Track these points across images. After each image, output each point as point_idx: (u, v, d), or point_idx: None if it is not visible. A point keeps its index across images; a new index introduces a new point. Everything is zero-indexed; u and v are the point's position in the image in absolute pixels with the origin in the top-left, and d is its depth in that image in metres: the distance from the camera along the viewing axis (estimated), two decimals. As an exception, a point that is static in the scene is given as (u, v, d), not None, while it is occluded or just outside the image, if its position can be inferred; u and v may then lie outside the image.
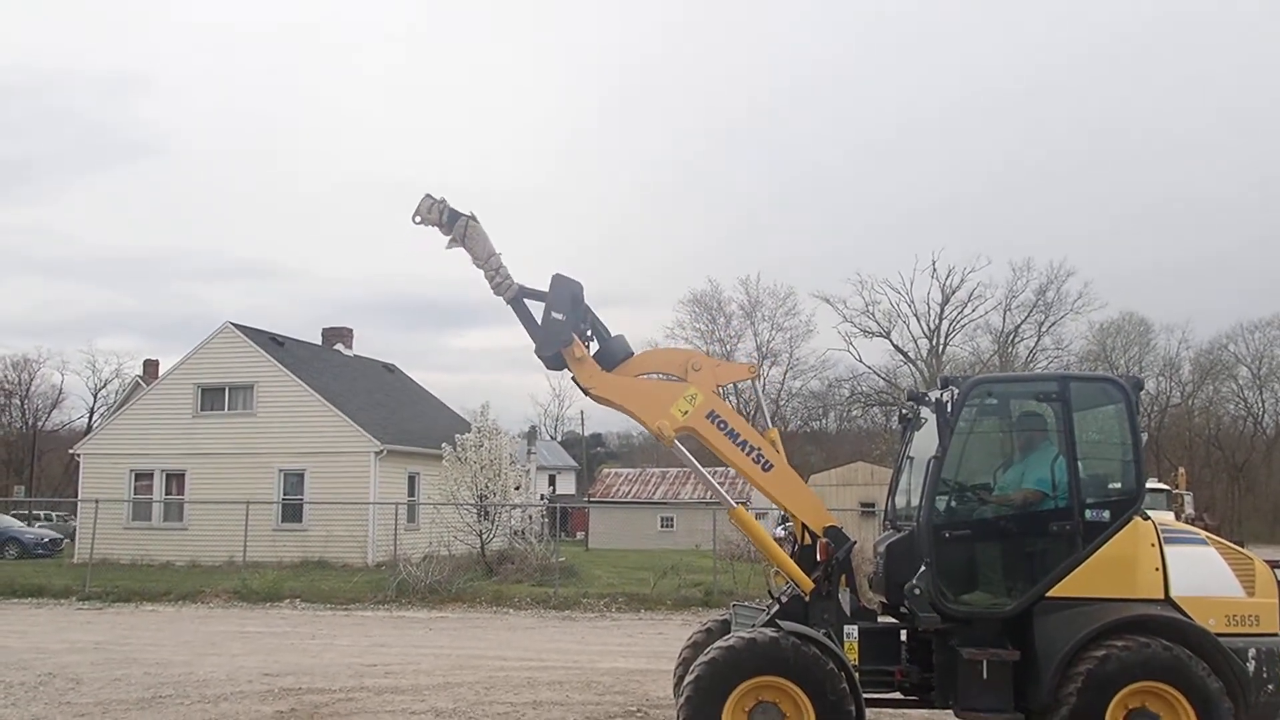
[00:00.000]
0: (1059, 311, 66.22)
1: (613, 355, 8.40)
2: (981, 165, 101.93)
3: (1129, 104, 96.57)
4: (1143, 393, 8.04)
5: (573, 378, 8.39)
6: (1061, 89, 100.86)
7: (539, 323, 8.19)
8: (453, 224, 8.28)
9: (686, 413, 8.17)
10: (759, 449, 8.25)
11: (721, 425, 8.22)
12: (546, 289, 8.20)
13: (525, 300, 8.34)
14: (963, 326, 68.16)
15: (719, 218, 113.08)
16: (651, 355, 8.78)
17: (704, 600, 21.67)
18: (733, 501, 8.39)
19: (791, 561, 8.29)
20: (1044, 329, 66.89)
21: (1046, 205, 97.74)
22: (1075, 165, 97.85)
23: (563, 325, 8.10)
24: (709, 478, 8.68)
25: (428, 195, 8.34)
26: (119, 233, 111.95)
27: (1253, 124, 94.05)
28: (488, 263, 8.27)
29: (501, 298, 8.32)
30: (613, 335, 8.53)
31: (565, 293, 8.17)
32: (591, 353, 8.33)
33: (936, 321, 67.54)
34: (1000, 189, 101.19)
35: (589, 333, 8.40)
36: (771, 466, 8.27)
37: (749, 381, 9.04)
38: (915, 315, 67.78)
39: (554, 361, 8.30)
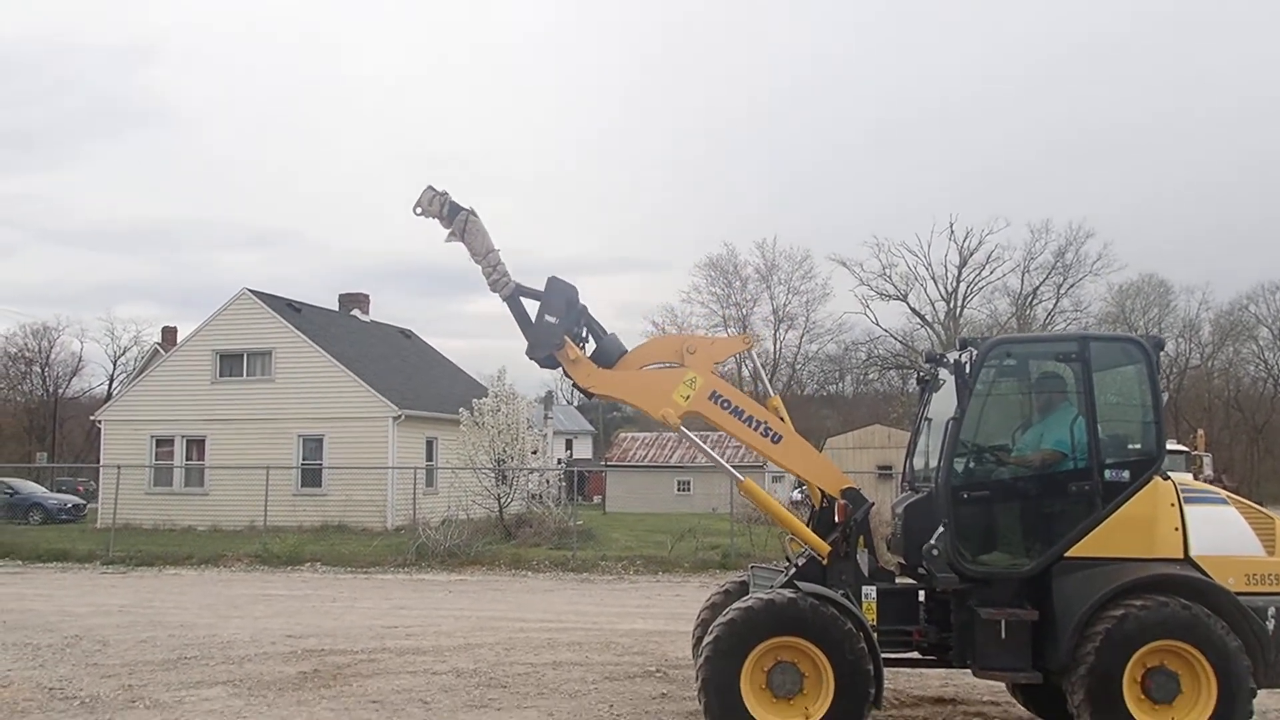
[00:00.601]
0: (1078, 273, 65.90)
1: (609, 353, 8.46)
2: (1020, 134, 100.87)
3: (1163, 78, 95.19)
4: (1162, 354, 8.00)
5: (569, 378, 8.46)
6: (1092, 64, 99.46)
7: (536, 321, 8.22)
8: (453, 218, 8.28)
9: (688, 397, 8.21)
10: (765, 422, 8.29)
11: (725, 404, 8.27)
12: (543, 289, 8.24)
13: (522, 299, 8.36)
14: (980, 289, 67.95)
15: (748, 189, 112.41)
16: (647, 347, 8.80)
17: (721, 563, 21.77)
18: (740, 476, 8.47)
19: (805, 527, 8.35)
20: (1062, 291, 66.58)
21: (1069, 172, 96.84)
22: (1100, 137, 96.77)
23: (555, 329, 8.14)
24: (717, 457, 8.75)
25: (429, 187, 8.33)
26: (135, 202, 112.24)
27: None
28: (486, 259, 8.30)
29: (498, 294, 8.34)
30: (607, 333, 8.59)
31: (560, 296, 8.21)
32: (588, 353, 8.38)
33: (954, 284, 67.35)
34: (1027, 157, 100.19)
35: (584, 334, 8.45)
36: (780, 438, 8.31)
37: (751, 351, 9.05)
38: (933, 278, 67.57)
39: (547, 363, 8.38)
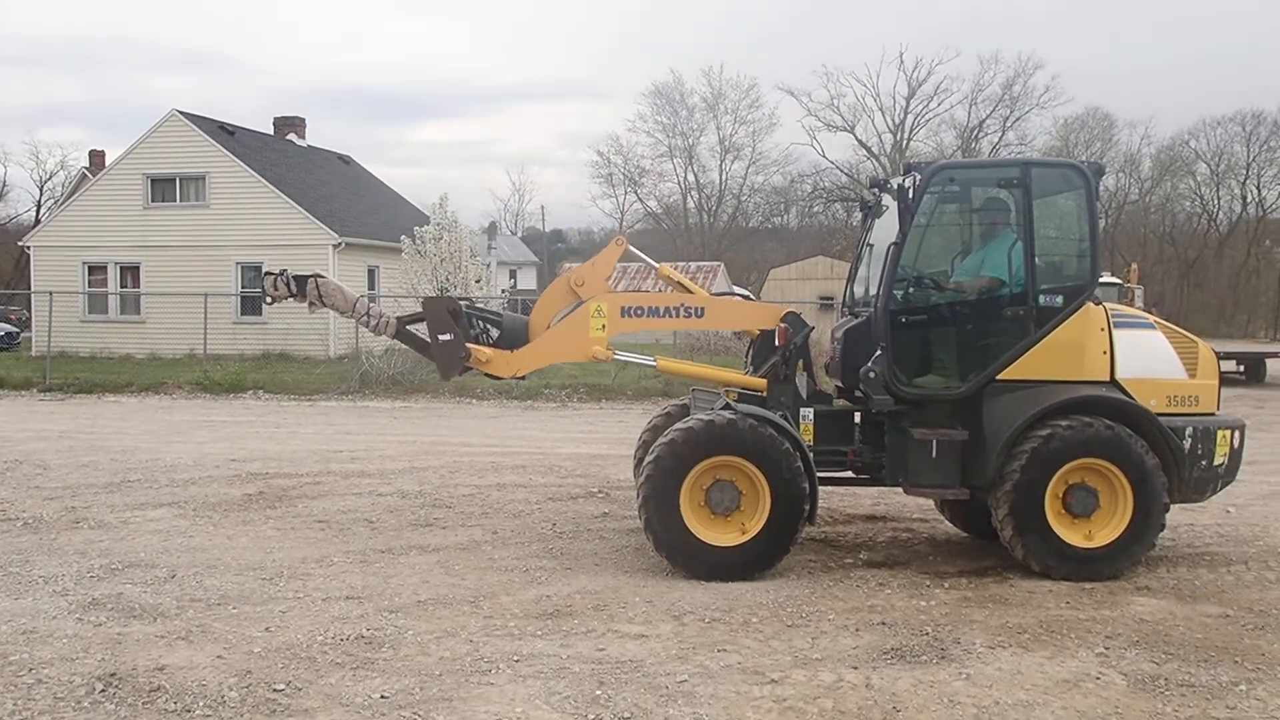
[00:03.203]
0: (1024, 106, 65.56)
1: (515, 333, 8.44)
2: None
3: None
4: (1101, 187, 8.04)
5: (494, 377, 8.45)
6: None
7: (431, 347, 8.17)
8: (303, 288, 8.22)
9: (604, 326, 8.23)
10: (680, 305, 8.39)
11: (639, 312, 8.33)
12: (420, 308, 8.37)
13: (409, 327, 8.42)
14: (927, 121, 67.44)
15: (694, 14, 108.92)
16: (541, 304, 8.71)
17: (664, 391, 22.08)
18: (651, 361, 8.72)
19: (738, 374, 8.54)
20: (1008, 124, 66.30)
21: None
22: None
23: (454, 343, 8.10)
24: (639, 359, 8.84)
25: (266, 273, 8.32)
26: (54, 18, 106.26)
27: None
28: (355, 311, 8.31)
29: (385, 336, 8.38)
30: (501, 313, 8.66)
31: (441, 310, 8.18)
32: (494, 340, 8.34)
33: (901, 116, 66.72)
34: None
35: (483, 329, 8.41)
36: (702, 310, 8.47)
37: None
38: (880, 109, 66.87)
39: (463, 374, 8.39)
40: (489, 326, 8.47)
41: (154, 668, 5.55)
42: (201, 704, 5.09)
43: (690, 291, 8.70)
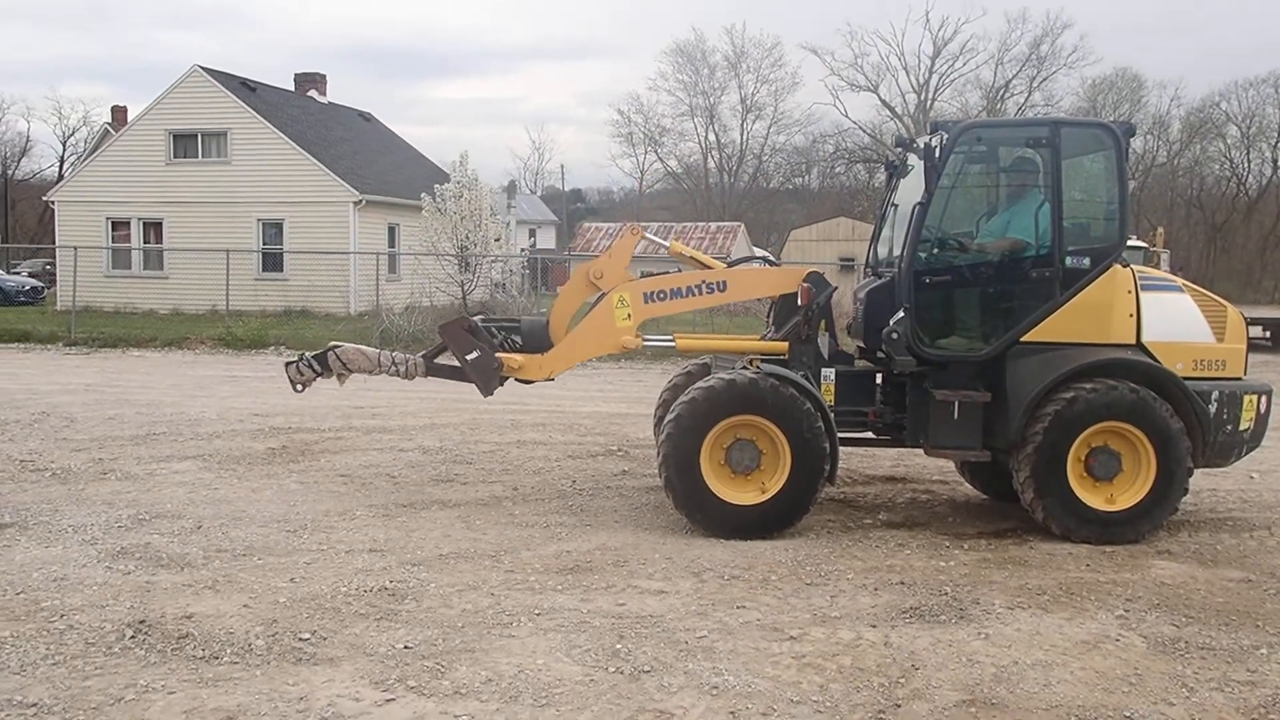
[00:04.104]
0: (1052, 66, 64.74)
1: (539, 336, 8.44)
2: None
3: None
4: (1130, 147, 7.94)
5: (526, 382, 8.46)
6: None
7: (465, 370, 8.20)
8: (326, 363, 8.26)
9: (629, 315, 8.21)
10: (701, 282, 8.34)
11: (662, 296, 8.29)
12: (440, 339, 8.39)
13: (436, 360, 8.46)
14: (952, 81, 66.72)
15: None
16: (561, 302, 8.70)
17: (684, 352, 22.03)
18: (671, 340, 8.70)
19: (759, 341, 8.52)
20: (1035, 85, 65.51)
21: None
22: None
23: (484, 358, 8.10)
24: (658, 340, 8.86)
25: (285, 365, 8.43)
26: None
27: None
28: (380, 365, 8.34)
29: (419, 377, 8.44)
30: (519, 320, 8.74)
31: (459, 334, 8.19)
32: (520, 348, 8.40)
33: (926, 76, 66.06)
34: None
35: (505, 338, 8.46)
36: (724, 284, 8.40)
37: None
38: (905, 69, 66.33)
39: (502, 383, 8.38)
40: (508, 334, 8.55)
41: (182, 615, 5.64)
42: (229, 651, 5.17)
43: (708, 266, 8.67)
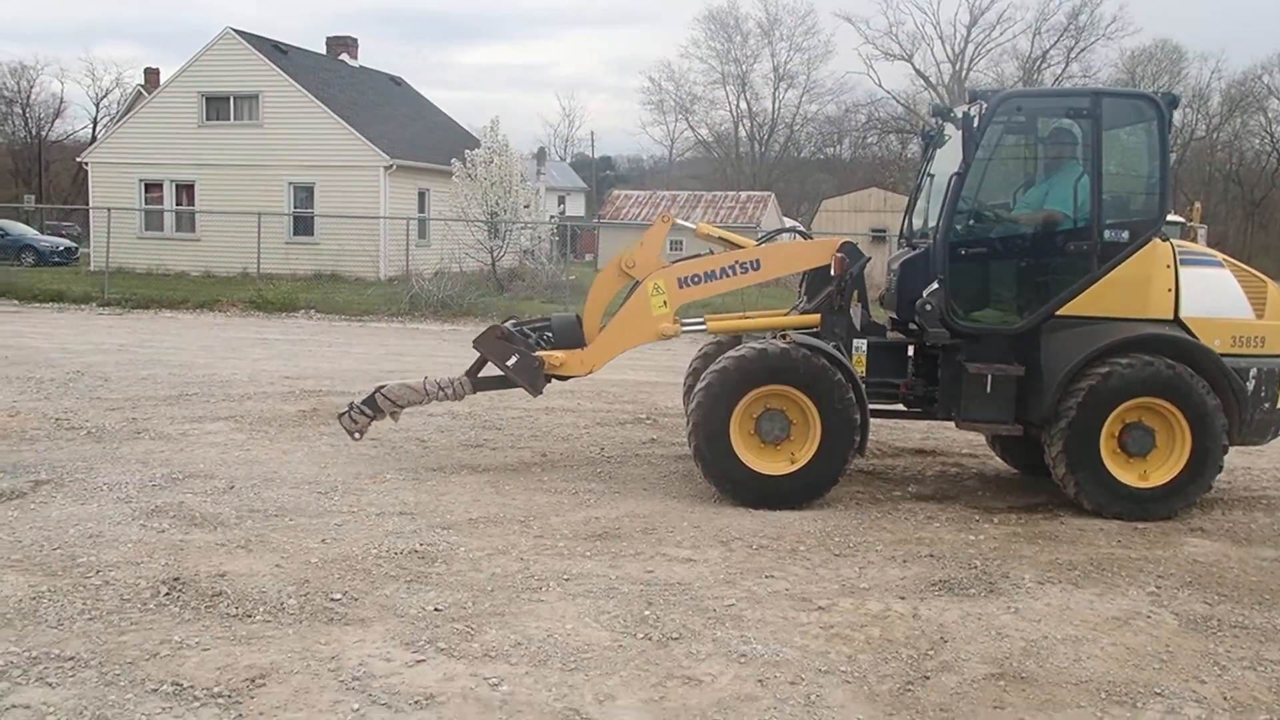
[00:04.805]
0: (1090, 36, 63.87)
1: (571, 332, 8.42)
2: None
3: None
4: (1173, 120, 7.80)
5: (569, 378, 8.46)
6: None
7: (509, 377, 8.20)
8: (375, 405, 8.25)
9: (666, 303, 8.15)
10: (735, 262, 8.27)
11: (696, 280, 8.22)
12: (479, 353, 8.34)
13: (480, 375, 8.42)
14: (988, 51, 65.95)
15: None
16: (594, 296, 8.67)
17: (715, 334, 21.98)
18: (702, 323, 8.57)
19: (789, 316, 8.47)
20: (1073, 55, 64.65)
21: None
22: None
23: (526, 360, 8.10)
24: (694, 326, 8.61)
25: (338, 416, 8.46)
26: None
27: None
28: (428, 394, 8.32)
29: (467, 394, 8.44)
30: (549, 319, 8.74)
31: (494, 343, 8.21)
32: (556, 347, 8.36)
33: (962, 45, 65.34)
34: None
35: (540, 339, 8.44)
36: (758, 262, 8.31)
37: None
38: (940, 38, 65.62)
39: (548, 382, 8.35)
40: (541, 335, 8.53)
41: (215, 574, 5.70)
42: (262, 609, 5.23)
43: (737, 245, 8.61)
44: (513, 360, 8.13)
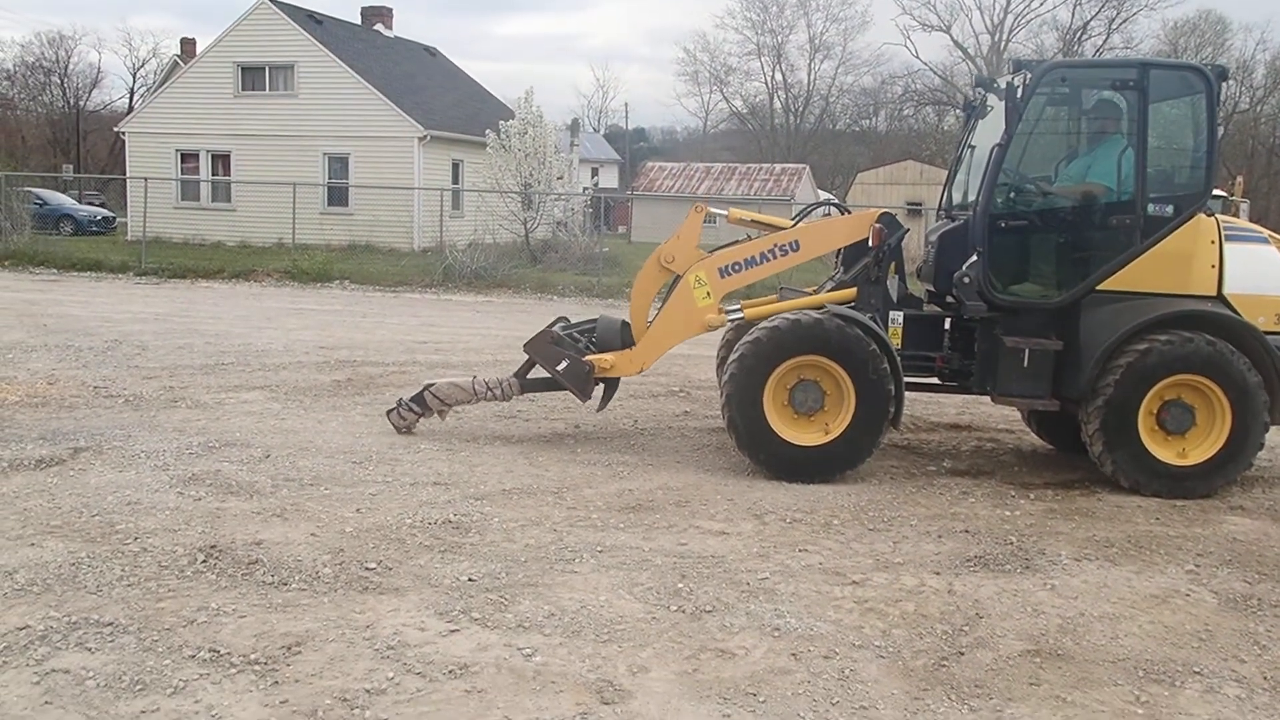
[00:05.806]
0: (1133, 7, 62.52)
1: (614, 334, 8.42)
2: None
3: None
4: (1221, 92, 7.62)
5: (620, 378, 8.50)
6: None
7: (558, 380, 8.20)
8: (424, 405, 8.41)
9: (709, 294, 8.11)
10: (774, 245, 8.20)
11: (737, 268, 8.17)
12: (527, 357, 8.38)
13: (529, 377, 8.47)
14: (1028, 22, 64.87)
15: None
16: (636, 295, 8.64)
17: (746, 293, 21.89)
18: (739, 310, 8.43)
19: (826, 294, 8.34)
20: (1114, 26, 63.40)
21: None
22: None
23: (575, 365, 8.10)
24: (738, 315, 8.47)
25: (386, 413, 8.59)
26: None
27: None
28: (477, 394, 8.35)
29: (515, 396, 8.51)
30: (594, 321, 8.73)
31: (545, 346, 8.23)
32: (602, 349, 8.36)
33: (1001, 16, 64.16)
34: None
35: (587, 344, 8.43)
36: (796, 243, 8.23)
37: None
38: (979, 8, 65.26)
39: (597, 384, 8.36)
40: (589, 339, 8.54)
41: (251, 542, 5.75)
42: (298, 578, 5.27)
43: (772, 227, 8.54)
44: (563, 365, 8.15)
